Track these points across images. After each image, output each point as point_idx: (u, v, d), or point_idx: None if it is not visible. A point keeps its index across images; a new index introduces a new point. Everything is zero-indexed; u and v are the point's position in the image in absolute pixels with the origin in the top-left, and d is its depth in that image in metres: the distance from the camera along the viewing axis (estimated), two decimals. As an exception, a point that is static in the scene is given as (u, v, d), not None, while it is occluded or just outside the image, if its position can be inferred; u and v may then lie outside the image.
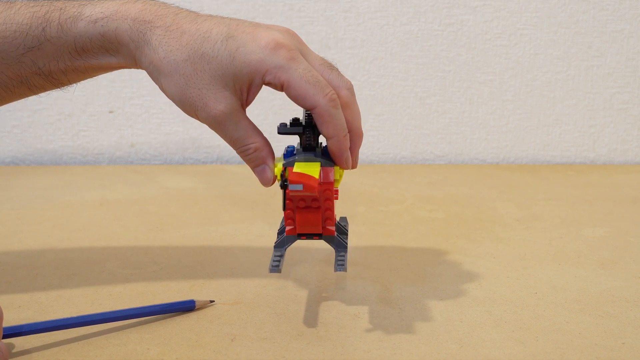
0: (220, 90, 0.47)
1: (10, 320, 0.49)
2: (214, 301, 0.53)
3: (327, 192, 0.48)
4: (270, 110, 1.02)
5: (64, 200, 0.82)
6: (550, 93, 1.04)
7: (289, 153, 0.50)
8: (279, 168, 0.49)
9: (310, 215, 0.49)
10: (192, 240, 0.68)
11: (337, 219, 0.53)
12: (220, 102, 0.47)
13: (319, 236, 0.50)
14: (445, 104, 1.04)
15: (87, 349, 0.46)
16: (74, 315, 0.49)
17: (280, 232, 0.53)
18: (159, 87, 0.49)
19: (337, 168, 0.49)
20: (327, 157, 0.49)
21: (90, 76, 0.52)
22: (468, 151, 1.06)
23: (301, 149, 0.49)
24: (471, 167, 1.03)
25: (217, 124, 0.48)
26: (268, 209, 0.78)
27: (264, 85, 0.48)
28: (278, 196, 0.83)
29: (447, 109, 1.04)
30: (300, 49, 0.48)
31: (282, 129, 0.49)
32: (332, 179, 0.48)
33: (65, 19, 0.49)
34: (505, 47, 1.02)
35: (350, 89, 0.49)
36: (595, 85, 1.04)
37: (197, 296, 0.54)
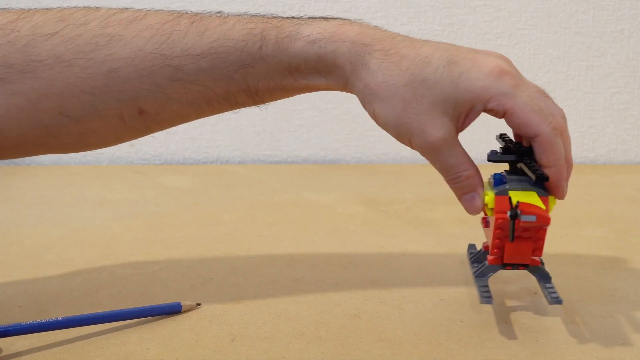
0: (438, 116, 0.46)
1: (10, 321, 0.49)
2: (200, 304, 0.52)
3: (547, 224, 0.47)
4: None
5: (64, 200, 0.82)
6: (550, 93, 1.04)
7: (498, 181, 0.49)
8: (490, 196, 0.48)
9: (522, 245, 0.48)
10: (192, 240, 0.68)
11: None
12: (438, 128, 0.47)
13: (525, 266, 0.49)
14: (445, 104, 1.04)
15: (87, 349, 0.46)
16: (74, 314, 0.49)
17: (476, 260, 0.52)
18: (370, 112, 0.48)
19: (551, 197, 0.48)
20: (538, 186, 0.48)
21: (292, 95, 0.51)
22: (468, 151, 1.05)
23: (514, 177, 0.48)
24: (471, 167, 1.03)
25: (433, 151, 0.47)
26: (268, 209, 0.78)
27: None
28: (278, 196, 0.83)
29: (447, 109, 1.04)
30: (519, 76, 0.48)
31: (494, 157, 0.49)
32: (548, 209, 0.47)
33: (283, 38, 0.47)
34: (505, 47, 1.02)
35: (564, 117, 0.49)
36: (595, 85, 1.04)
37: (197, 296, 0.54)
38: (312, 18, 0.49)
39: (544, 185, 0.48)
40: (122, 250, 0.65)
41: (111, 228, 0.72)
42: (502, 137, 0.50)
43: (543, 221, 0.45)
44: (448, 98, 0.46)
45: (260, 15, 0.49)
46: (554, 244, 0.67)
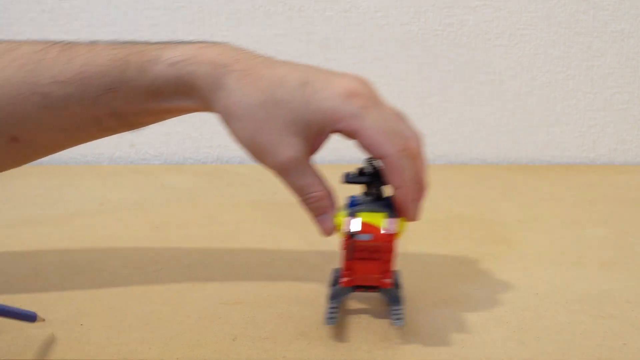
0: (291, 136, 0.47)
1: (10, 320, 0.49)
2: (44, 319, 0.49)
3: (389, 243, 0.48)
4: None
5: (64, 200, 0.82)
6: (550, 93, 1.04)
7: (353, 203, 0.49)
8: (341, 217, 0.49)
9: (370, 267, 0.48)
10: (193, 240, 0.68)
11: None
12: (290, 148, 0.47)
13: (375, 289, 0.49)
14: (445, 104, 1.04)
15: (87, 349, 0.46)
16: (75, 314, 0.49)
17: (333, 283, 0.52)
18: (229, 131, 0.49)
19: (400, 219, 0.49)
20: (390, 208, 0.49)
21: (162, 119, 0.52)
22: (468, 151, 1.06)
23: (368, 199, 0.49)
24: (471, 167, 1.03)
25: (284, 171, 0.48)
26: (268, 209, 0.78)
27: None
28: (279, 196, 0.83)
29: (447, 109, 1.04)
30: (372, 98, 0.48)
31: (349, 179, 0.49)
32: (396, 230, 0.48)
33: (144, 62, 0.48)
34: (505, 47, 1.02)
35: (420, 140, 0.49)
36: (595, 85, 1.04)
37: (197, 296, 0.54)
38: (175, 42, 0.50)
39: (396, 207, 0.48)
40: (122, 250, 0.65)
41: (111, 228, 0.72)
42: (368, 160, 0.50)
43: (380, 240, 0.45)
44: (300, 118, 0.47)
45: (127, 42, 0.50)
46: (554, 244, 0.67)
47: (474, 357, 0.45)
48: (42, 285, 0.56)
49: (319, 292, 0.55)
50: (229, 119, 0.48)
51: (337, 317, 0.48)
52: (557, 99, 1.04)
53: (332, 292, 0.50)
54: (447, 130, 1.05)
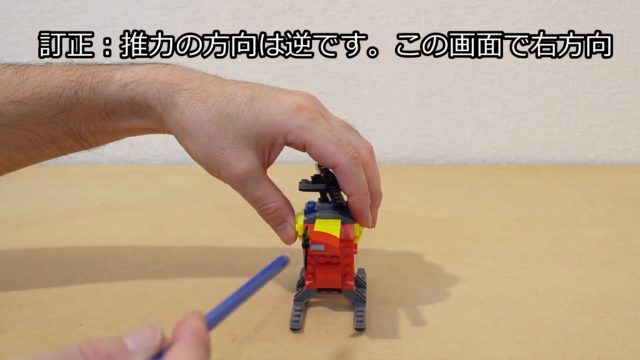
0: (243, 149, 0.48)
1: (10, 320, 0.49)
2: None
3: (347, 249, 0.49)
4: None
5: (64, 200, 0.82)
6: (550, 93, 1.04)
7: (310, 209, 0.50)
8: (299, 224, 0.50)
9: (330, 271, 0.50)
10: (193, 240, 0.68)
11: (356, 271, 0.53)
12: (242, 161, 0.48)
13: (338, 291, 0.51)
14: (445, 104, 1.04)
15: (88, 349, 0.46)
16: (75, 314, 0.49)
17: (300, 284, 0.53)
18: (184, 147, 0.51)
19: (356, 225, 0.50)
20: (346, 214, 0.50)
21: (118, 138, 0.54)
22: (468, 151, 1.06)
23: (325, 205, 0.50)
24: (471, 167, 1.03)
25: (239, 183, 0.49)
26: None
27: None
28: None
29: (447, 109, 1.04)
30: (320, 112, 0.50)
31: (304, 186, 0.50)
32: (352, 236, 0.49)
33: (97, 83, 0.50)
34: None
35: (370, 149, 0.51)
36: (595, 85, 1.04)
37: (198, 296, 0.54)
38: (127, 64, 0.52)
39: (351, 213, 0.49)
40: (122, 250, 0.65)
41: (111, 228, 0.72)
42: (319, 166, 0.51)
43: (331, 250, 0.46)
44: (250, 132, 0.48)
45: (80, 64, 0.52)
46: (554, 244, 0.67)
47: (474, 357, 0.45)
48: (43, 285, 0.56)
49: (318, 293, 0.55)
50: (183, 136, 0.50)
51: (300, 320, 0.49)
52: (557, 99, 1.04)
53: (297, 295, 0.51)
54: (447, 130, 1.05)
